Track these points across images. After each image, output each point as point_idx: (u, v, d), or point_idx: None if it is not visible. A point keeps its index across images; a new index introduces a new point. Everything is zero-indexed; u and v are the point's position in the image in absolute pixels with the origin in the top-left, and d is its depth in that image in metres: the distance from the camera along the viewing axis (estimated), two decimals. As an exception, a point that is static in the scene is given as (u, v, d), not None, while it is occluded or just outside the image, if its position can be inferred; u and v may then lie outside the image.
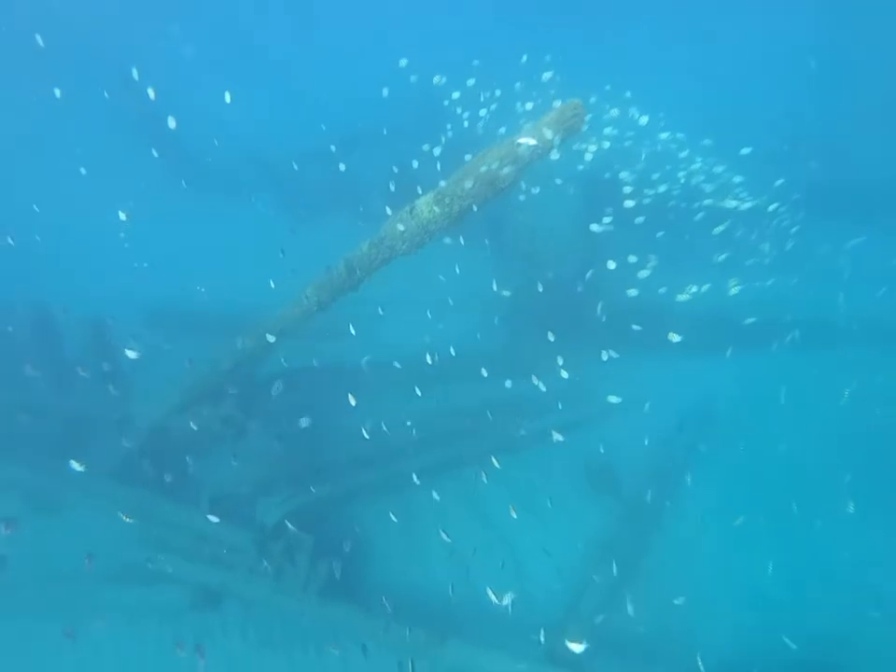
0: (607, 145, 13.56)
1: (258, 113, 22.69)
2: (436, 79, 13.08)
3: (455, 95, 13.52)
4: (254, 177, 19.25)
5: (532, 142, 7.07)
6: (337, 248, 8.64)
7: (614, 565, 9.35)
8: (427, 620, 8.92)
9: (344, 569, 8.81)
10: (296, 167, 17.63)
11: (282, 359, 10.13)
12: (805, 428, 11.82)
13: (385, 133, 18.76)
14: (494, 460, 9.45)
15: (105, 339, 11.11)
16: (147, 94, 10.54)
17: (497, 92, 12.59)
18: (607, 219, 9.41)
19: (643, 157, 14.29)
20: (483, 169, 7.32)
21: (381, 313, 10.39)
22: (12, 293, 12.44)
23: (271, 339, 8.94)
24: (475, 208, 7.60)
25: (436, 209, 7.56)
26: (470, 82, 14.56)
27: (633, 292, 11.98)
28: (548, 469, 11.33)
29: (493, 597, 7.40)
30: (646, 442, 11.12)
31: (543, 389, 10.42)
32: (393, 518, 10.07)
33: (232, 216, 17.05)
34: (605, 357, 9.67)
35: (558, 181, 13.41)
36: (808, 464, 11.38)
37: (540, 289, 12.24)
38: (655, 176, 14.12)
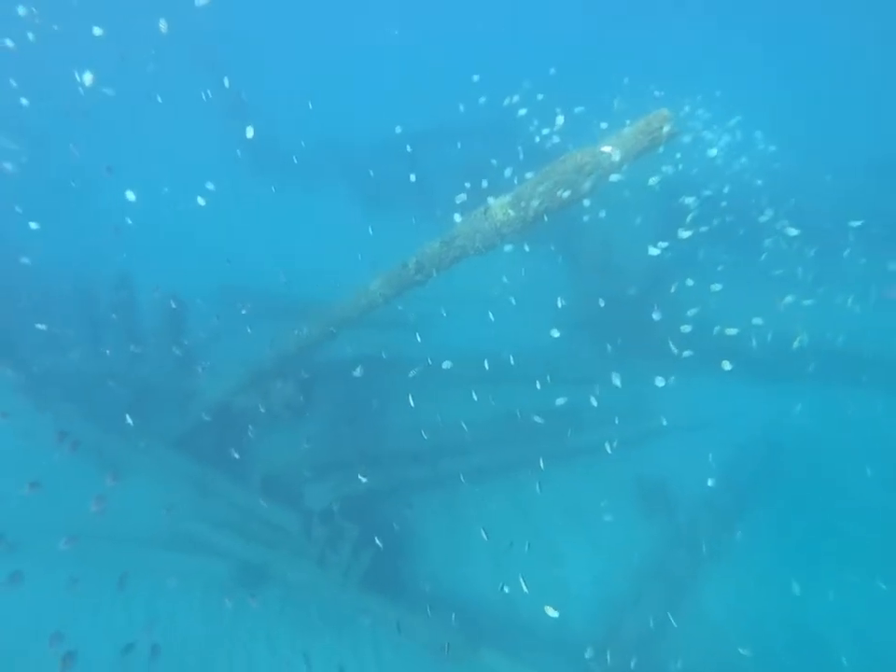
0: (685, 159, 13.19)
1: (338, 107, 23.17)
2: (507, 101, 12.96)
3: (523, 111, 13.39)
4: (332, 169, 19.66)
5: (614, 151, 6.93)
6: (407, 242, 8.71)
7: (657, 595, 9.10)
8: (462, 623, 8.90)
9: (386, 562, 8.90)
10: (372, 161, 17.93)
11: (346, 348, 10.28)
12: (871, 466, 11.17)
13: (459, 133, 18.90)
14: (541, 462, 9.29)
15: (182, 316, 11.54)
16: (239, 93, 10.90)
17: (578, 109, 12.38)
18: (663, 244, 9.11)
19: (729, 172, 13.83)
20: (562, 175, 7.22)
21: (444, 315, 10.42)
22: (102, 268, 13.12)
23: (334, 329, 9.08)
24: (550, 214, 7.52)
25: (511, 212, 7.50)
26: (540, 97, 14.37)
27: (697, 313, 11.60)
28: (599, 482, 11.08)
29: (550, 611, 7.27)
30: (706, 469, 10.73)
31: (597, 402, 10.25)
32: (436, 516, 10.11)
33: (309, 205, 17.47)
34: (661, 383, 9.38)
35: (635, 193, 13.13)
36: (875, 506, 10.74)
37: (603, 304, 12.04)
38: (725, 190, 13.65)
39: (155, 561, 10.27)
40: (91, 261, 13.42)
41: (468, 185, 12.78)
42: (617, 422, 11.39)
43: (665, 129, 6.65)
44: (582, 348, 13.26)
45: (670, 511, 10.57)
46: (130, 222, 12.05)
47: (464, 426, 10.63)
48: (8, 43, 10.90)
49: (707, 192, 11.86)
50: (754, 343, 11.92)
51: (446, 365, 8.99)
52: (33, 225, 11.16)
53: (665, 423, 11.38)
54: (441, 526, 10.37)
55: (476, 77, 14.53)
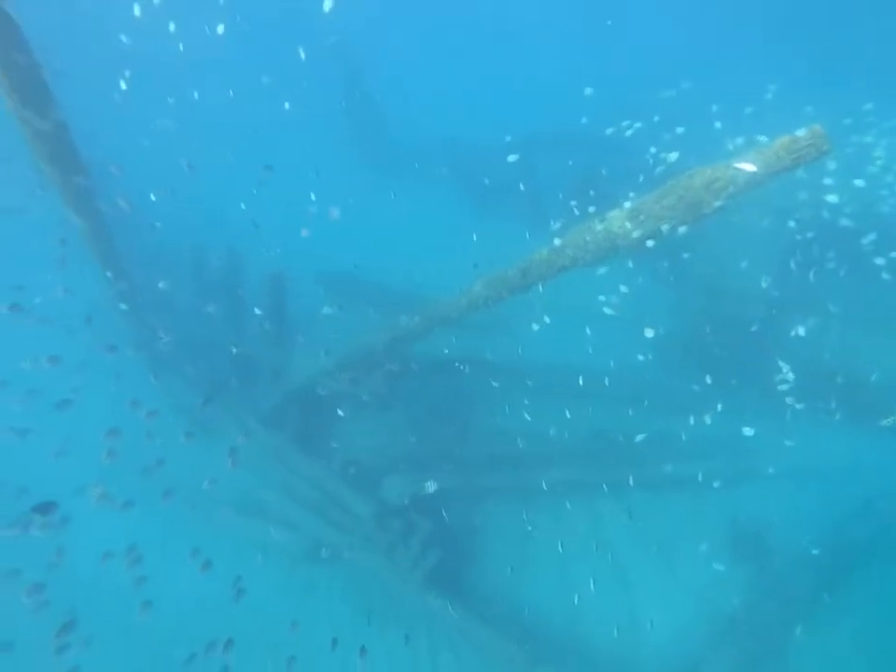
0: (825, 183, 12.14)
1: (458, 106, 23.28)
2: (628, 129, 12.40)
3: (632, 128, 12.79)
4: (446, 171, 19.79)
5: (752, 168, 6.43)
6: (513, 247, 8.54)
7: (737, 647, 8.44)
8: (522, 637, 8.67)
9: (453, 563, 8.80)
10: (486, 166, 17.89)
11: (441, 346, 10.26)
12: None
13: (574, 140, 18.50)
14: (630, 481, 8.87)
15: (285, 295, 11.93)
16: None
17: (716, 125, 11.65)
18: (766, 279, 8.39)
19: (873, 201, 12.65)
20: (689, 191, 6.81)
21: (543, 324, 10.16)
22: (212, 242, 13.83)
23: (432, 326, 9.07)
24: (670, 231, 7.12)
25: (628, 225, 7.17)
26: (671, 108, 13.67)
27: (813, 355, 10.72)
28: (687, 515, 10.45)
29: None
30: (809, 521, 9.88)
31: (692, 433, 9.68)
32: (510, 525, 9.89)
33: (421, 201, 17.69)
34: (766, 423, 8.68)
35: (765, 217, 12.30)
36: None
37: (709, 332, 11.38)
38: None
39: (233, 524, 10.70)
40: (214, 238, 14.10)
41: (583, 194, 12.49)
42: (713, 457, 10.73)
43: (816, 147, 6.09)
44: (682, 375, 12.59)
45: (764, 560, 9.81)
46: (243, 207, 12.60)
47: (549, 437, 10.35)
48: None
49: (845, 223, 10.87)
50: (873, 391, 10.91)
51: (537, 374, 8.80)
52: (152, 196, 11.94)
53: (767, 466, 10.62)
54: (513, 536, 10.15)
55: (589, 90, 13.97)
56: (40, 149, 6.78)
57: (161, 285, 10.97)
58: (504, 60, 31.35)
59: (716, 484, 9.64)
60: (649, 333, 8.72)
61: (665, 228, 7.10)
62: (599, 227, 7.34)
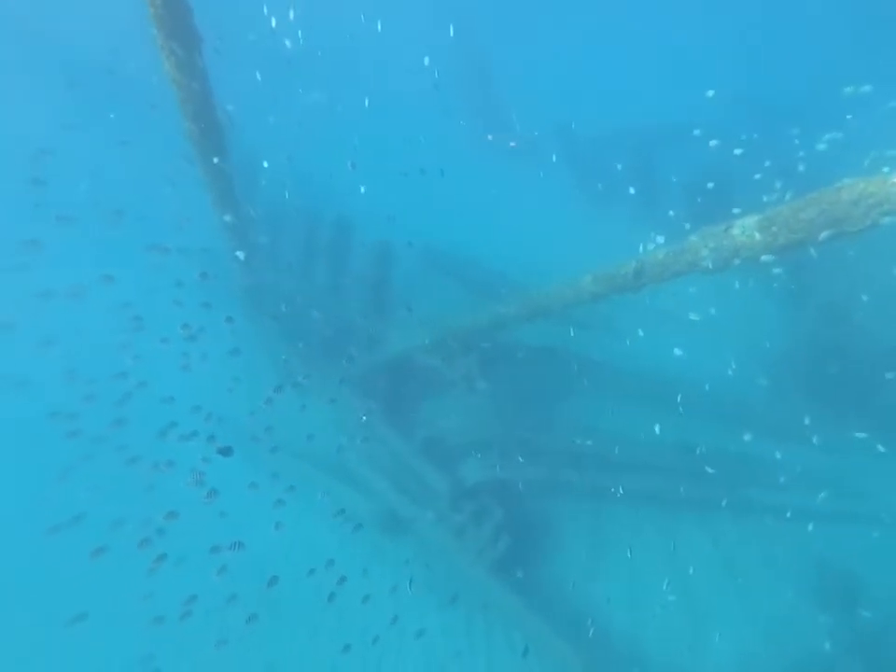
0: None
1: (576, 90, 22.66)
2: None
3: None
4: (562, 159, 19.35)
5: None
6: (628, 244, 8.26)
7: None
8: (582, 644, 8.53)
9: (521, 554, 8.75)
10: (605, 156, 17.36)
11: (538, 336, 10.13)
12: None
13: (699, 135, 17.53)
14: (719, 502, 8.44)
15: (388, 266, 12.15)
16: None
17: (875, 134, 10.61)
18: None
19: None
20: (833, 205, 6.28)
21: (647, 327, 9.80)
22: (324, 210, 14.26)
23: (533, 315, 8.94)
24: (803, 246, 6.62)
25: (757, 235, 6.73)
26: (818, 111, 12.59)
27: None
28: (772, 547, 9.87)
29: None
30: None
31: (790, 462, 9.07)
32: (581, 526, 9.70)
33: (531, 186, 17.47)
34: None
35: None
36: None
37: (822, 358, 10.57)
38: None
39: (314, 479, 11.12)
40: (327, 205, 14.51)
41: (707, 195, 11.86)
42: (812, 492, 10.04)
43: None
44: (785, 399, 11.83)
45: (850, 611, 9.12)
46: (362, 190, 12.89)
47: (636, 444, 10.02)
48: None
49: None
50: None
51: (633, 377, 8.50)
52: (265, 163, 12.40)
53: (869, 511, 9.83)
54: (585, 537, 9.97)
55: (711, 92, 13.05)
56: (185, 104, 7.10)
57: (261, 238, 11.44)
58: (636, 52, 30.08)
59: (810, 523, 9.00)
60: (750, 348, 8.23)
61: (796, 241, 6.61)
62: (724, 234, 6.94)
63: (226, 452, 8.84)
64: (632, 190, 14.91)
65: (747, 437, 10.23)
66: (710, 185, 13.14)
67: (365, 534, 10.67)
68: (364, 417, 11.19)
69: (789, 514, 9.71)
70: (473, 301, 10.94)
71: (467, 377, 10.29)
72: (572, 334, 10.40)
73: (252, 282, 12.26)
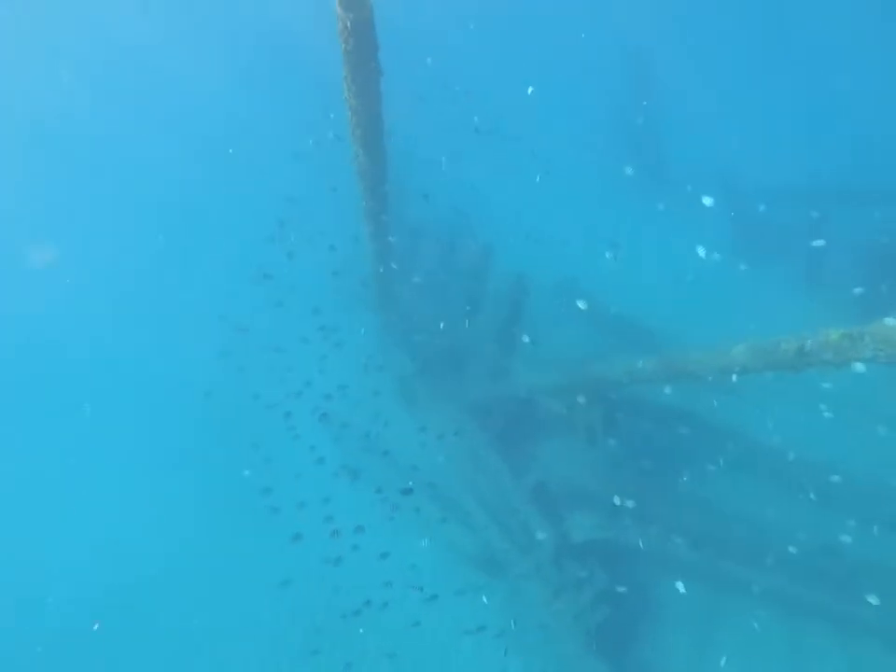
0: None
1: (738, 142, 21.15)
2: None
3: None
4: (716, 206, 18.12)
5: None
6: (793, 314, 7.47)
7: None
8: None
9: (620, 630, 8.12)
10: (768, 210, 16.04)
11: (673, 396, 9.43)
12: None
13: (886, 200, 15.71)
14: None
15: (522, 298, 11.95)
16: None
17: None
18: None
19: None
20: None
21: (823, 412, 8.75)
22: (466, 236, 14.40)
23: (672, 376, 8.33)
24: None
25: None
26: None
27: None
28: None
29: None
30: None
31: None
32: (691, 611, 8.84)
33: (684, 230, 16.53)
34: None
35: None
36: None
37: None
38: None
39: (416, 500, 11.10)
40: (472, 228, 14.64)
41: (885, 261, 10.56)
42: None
43: None
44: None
45: None
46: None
47: (767, 535, 8.99)
48: None
49: None
50: None
51: (777, 461, 7.60)
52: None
53: None
54: (689, 627, 9.06)
55: None
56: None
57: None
58: (813, 95, 27.70)
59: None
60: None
61: None
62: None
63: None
64: (809, 243, 13.53)
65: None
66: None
67: (460, 566, 10.52)
68: (478, 448, 11.05)
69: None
70: (608, 349, 10.42)
71: (589, 427, 9.81)
72: (715, 405, 9.56)
73: (387, 301, 12.55)
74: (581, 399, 9.63)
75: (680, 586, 7.96)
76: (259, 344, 12.40)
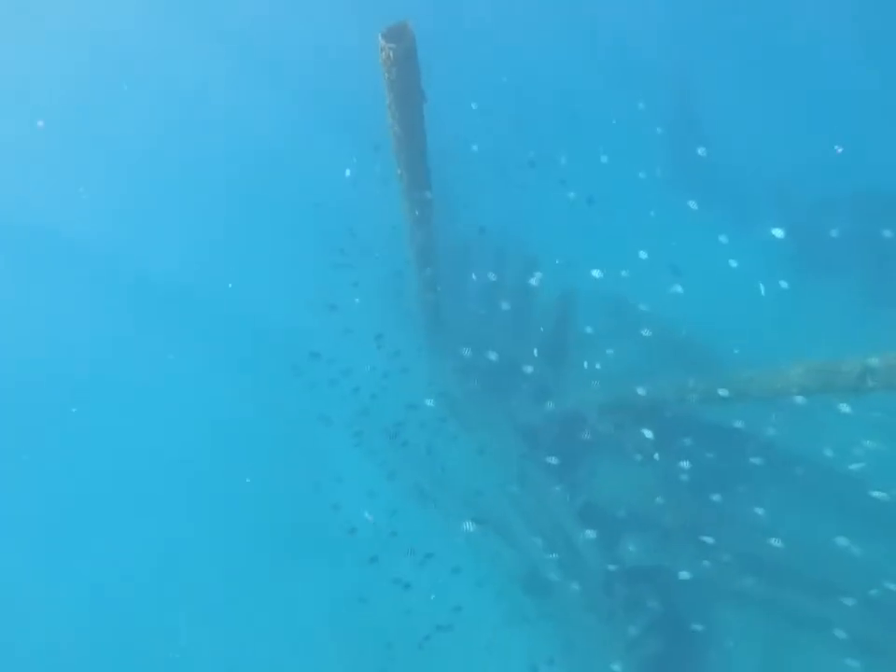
0: None
1: (799, 148, 20.29)
2: None
3: None
4: (771, 214, 17.50)
5: None
6: (854, 331, 7.11)
7: None
8: None
9: (675, 665, 7.81)
10: (825, 218, 15.34)
11: (732, 419, 9.10)
12: None
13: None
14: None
15: (570, 315, 11.83)
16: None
17: None
18: None
19: None
20: None
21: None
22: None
23: (723, 393, 8.04)
24: None
25: None
26: None
27: None
28: None
29: None
30: None
31: None
32: (751, 648, 8.42)
33: (738, 245, 15.99)
34: None
35: None
36: None
37: None
38: None
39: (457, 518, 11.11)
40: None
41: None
42: None
43: None
44: None
45: None
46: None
47: (836, 569, 8.47)
48: None
49: None
50: None
51: (852, 492, 7.17)
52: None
53: None
54: (753, 661, 8.60)
55: None
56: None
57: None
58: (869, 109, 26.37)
59: None
60: None
61: None
62: None
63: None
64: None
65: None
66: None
67: (507, 589, 10.41)
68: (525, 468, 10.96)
69: None
70: (659, 367, 10.15)
71: (641, 448, 9.56)
72: (773, 429, 9.12)
73: (436, 323, 12.64)
74: (630, 417, 9.42)
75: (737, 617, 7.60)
76: (328, 367, 12.80)
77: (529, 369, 12.02)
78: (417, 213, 8.66)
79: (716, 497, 8.92)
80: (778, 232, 8.25)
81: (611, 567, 8.97)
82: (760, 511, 9.22)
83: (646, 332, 10.20)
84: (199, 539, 13.88)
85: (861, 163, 17.25)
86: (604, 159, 11.89)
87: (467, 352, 11.52)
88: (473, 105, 13.51)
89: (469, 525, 10.17)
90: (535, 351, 10.96)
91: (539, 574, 9.91)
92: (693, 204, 11.21)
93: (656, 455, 9.46)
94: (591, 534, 9.19)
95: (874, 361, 6.47)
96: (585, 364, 11.25)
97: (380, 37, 5.61)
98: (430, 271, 10.56)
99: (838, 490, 9.48)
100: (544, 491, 10.55)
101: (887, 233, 13.19)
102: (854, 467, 9.05)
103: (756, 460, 8.46)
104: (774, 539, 8.05)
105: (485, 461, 11.64)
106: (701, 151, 10.79)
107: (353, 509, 11.85)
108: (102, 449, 16.23)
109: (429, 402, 11.99)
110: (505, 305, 12.73)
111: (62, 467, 16.32)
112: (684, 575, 8.56)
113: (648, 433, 9.20)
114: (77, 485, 15.82)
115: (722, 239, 13.21)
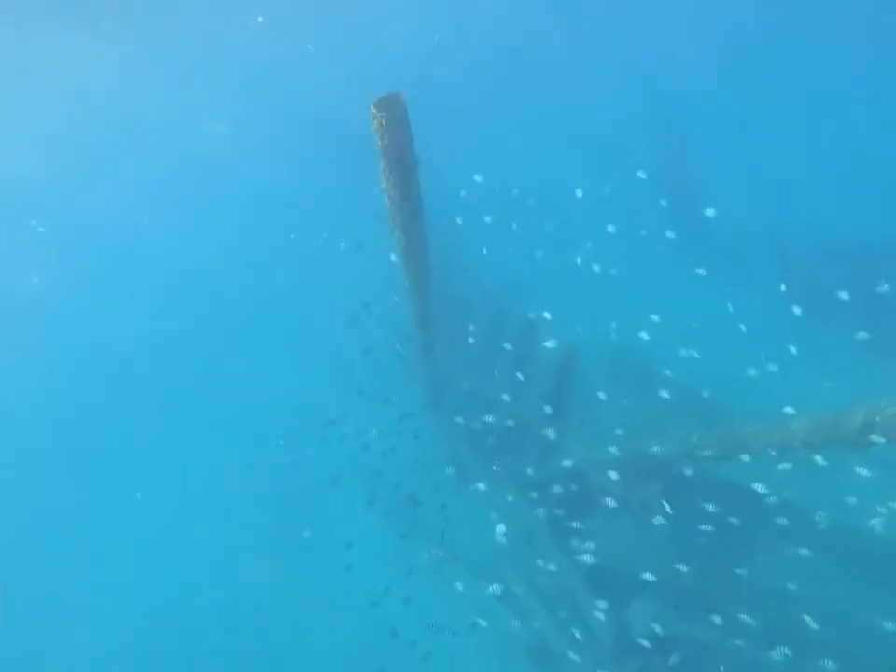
0: None
1: (797, 192, 20.49)
2: None
3: None
4: (772, 267, 17.61)
5: None
6: (857, 383, 7.01)
7: None
8: None
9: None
10: (824, 269, 15.48)
11: (743, 475, 8.85)
12: None
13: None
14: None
15: (571, 372, 11.78)
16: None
17: None
18: None
19: None
20: None
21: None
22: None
23: (730, 453, 7.91)
24: None
25: None
26: None
27: None
28: None
29: None
30: None
31: None
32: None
33: (735, 295, 16.01)
34: None
35: None
36: None
37: None
38: None
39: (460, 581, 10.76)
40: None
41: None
42: None
43: None
44: None
45: None
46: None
47: (852, 636, 8.07)
48: None
49: None
50: None
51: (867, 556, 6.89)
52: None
53: None
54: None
55: None
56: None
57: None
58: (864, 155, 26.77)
59: None
60: None
61: None
62: None
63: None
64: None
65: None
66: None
67: (514, 660, 9.97)
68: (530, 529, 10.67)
69: None
70: (662, 423, 9.99)
71: (645, 506, 9.32)
72: (782, 490, 8.80)
73: (433, 374, 12.63)
74: (635, 476, 9.23)
75: None
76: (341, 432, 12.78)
77: (532, 423, 11.94)
78: (415, 275, 8.82)
79: (730, 558, 8.59)
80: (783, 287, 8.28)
81: (621, 638, 8.59)
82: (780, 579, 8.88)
83: (664, 394, 10.07)
84: (204, 601, 13.46)
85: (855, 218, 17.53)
86: (611, 228, 12.05)
87: (467, 411, 11.47)
88: (477, 178, 13.78)
89: (495, 588, 9.82)
90: (547, 408, 10.84)
91: (546, 645, 9.47)
92: (701, 271, 11.44)
93: (661, 514, 9.18)
94: (601, 604, 8.85)
95: (878, 416, 6.37)
96: (588, 419, 11.15)
97: (372, 106, 5.84)
98: (427, 332, 10.65)
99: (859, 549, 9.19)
100: (553, 554, 10.21)
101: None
102: (874, 522, 8.79)
103: (772, 520, 8.19)
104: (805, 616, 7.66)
105: (492, 523, 11.34)
106: (710, 212, 10.99)
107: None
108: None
109: (449, 471, 12.03)
110: (504, 360, 12.79)
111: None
112: (699, 640, 8.20)
113: (653, 489, 9.00)
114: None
115: (721, 292, 13.38)
